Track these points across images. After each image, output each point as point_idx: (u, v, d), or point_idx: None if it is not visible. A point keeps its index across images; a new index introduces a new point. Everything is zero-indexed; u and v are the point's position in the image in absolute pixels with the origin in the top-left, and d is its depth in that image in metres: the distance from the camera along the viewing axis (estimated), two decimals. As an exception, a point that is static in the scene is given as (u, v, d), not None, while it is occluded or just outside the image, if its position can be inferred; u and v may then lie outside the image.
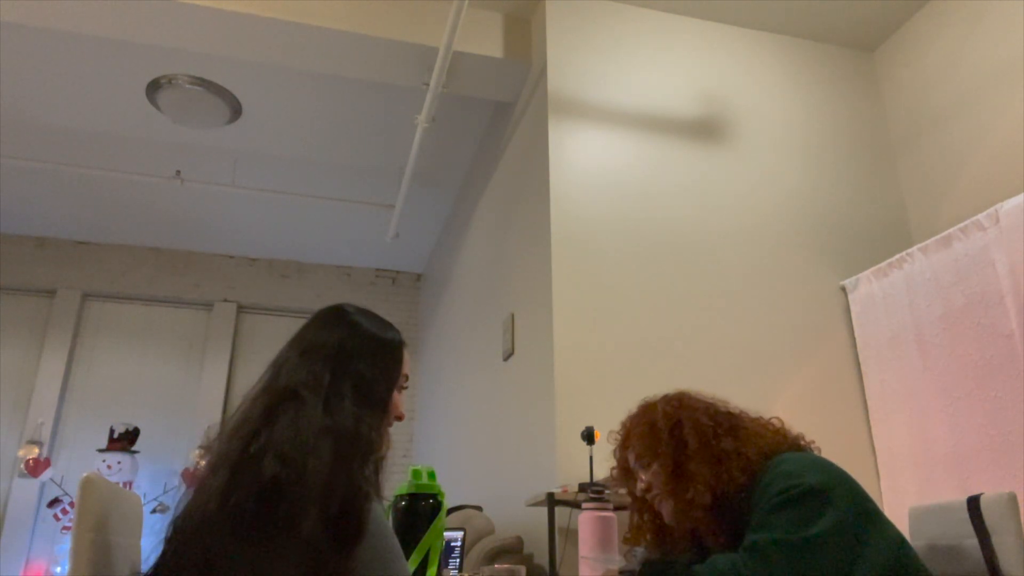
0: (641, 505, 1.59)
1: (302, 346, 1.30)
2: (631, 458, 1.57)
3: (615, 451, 1.65)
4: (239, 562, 1.03)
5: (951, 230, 2.84)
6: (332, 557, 1.04)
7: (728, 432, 1.47)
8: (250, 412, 1.19)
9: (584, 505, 1.77)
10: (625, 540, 1.62)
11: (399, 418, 1.36)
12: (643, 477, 1.52)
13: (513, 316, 3.40)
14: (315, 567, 1.02)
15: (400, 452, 5.66)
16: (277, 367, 1.28)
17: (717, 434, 1.47)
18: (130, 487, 4.80)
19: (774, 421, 1.53)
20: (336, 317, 1.36)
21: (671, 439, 1.48)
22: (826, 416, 3.07)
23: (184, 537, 1.09)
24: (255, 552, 1.04)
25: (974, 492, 1.58)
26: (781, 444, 1.46)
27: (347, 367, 1.25)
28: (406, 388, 1.39)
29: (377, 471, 1.31)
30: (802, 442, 1.49)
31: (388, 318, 1.43)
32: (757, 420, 1.53)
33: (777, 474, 1.36)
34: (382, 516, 1.14)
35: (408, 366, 1.39)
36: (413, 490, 1.55)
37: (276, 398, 1.20)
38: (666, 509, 1.49)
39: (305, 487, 1.05)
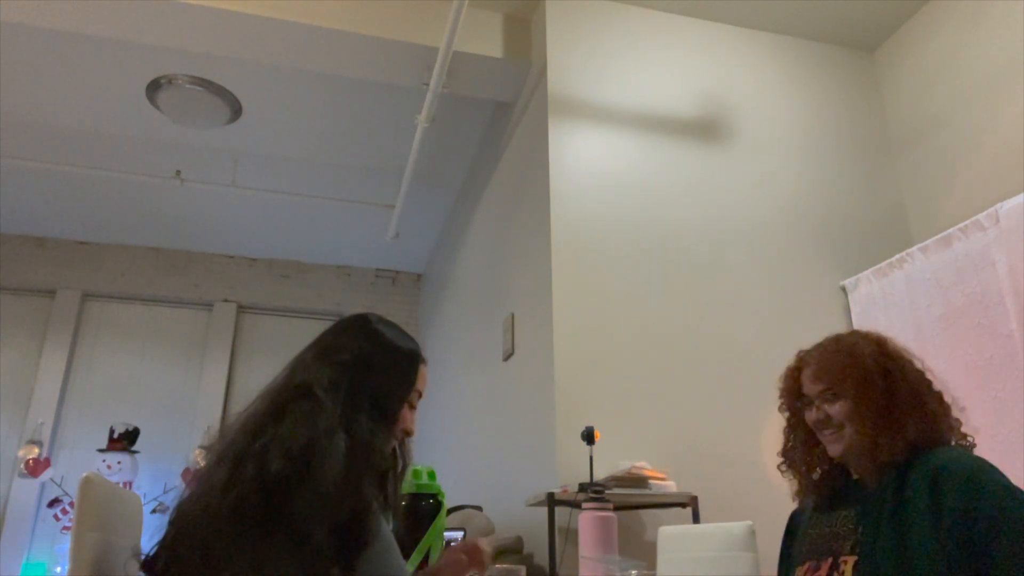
0: (807, 436, 1.49)
1: (319, 348, 1.29)
2: (814, 388, 1.45)
3: (785, 376, 1.57)
4: (239, 555, 1.03)
5: (951, 230, 2.84)
6: (335, 564, 1.04)
7: (932, 395, 1.41)
8: (258, 408, 1.19)
9: (584, 505, 1.78)
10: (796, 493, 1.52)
11: (407, 433, 1.33)
12: (827, 409, 1.41)
13: (513, 316, 3.40)
14: (317, 572, 1.02)
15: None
16: (292, 368, 1.27)
17: (929, 391, 1.40)
18: (130, 487, 4.80)
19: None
20: (358, 325, 1.34)
21: (883, 382, 1.38)
22: (826, 416, 3.07)
23: (185, 525, 1.09)
24: (255, 546, 1.03)
25: (974, 492, 1.58)
26: (954, 431, 1.39)
27: (365, 378, 1.24)
28: (415, 406, 1.35)
29: (396, 488, 1.30)
30: (964, 441, 1.41)
31: (388, 318, 1.42)
32: (941, 394, 1.44)
33: (988, 479, 1.22)
34: (383, 520, 1.14)
35: (424, 382, 1.36)
36: (413, 490, 1.56)
37: (286, 395, 1.19)
38: (842, 446, 1.39)
39: (314, 491, 1.05)
